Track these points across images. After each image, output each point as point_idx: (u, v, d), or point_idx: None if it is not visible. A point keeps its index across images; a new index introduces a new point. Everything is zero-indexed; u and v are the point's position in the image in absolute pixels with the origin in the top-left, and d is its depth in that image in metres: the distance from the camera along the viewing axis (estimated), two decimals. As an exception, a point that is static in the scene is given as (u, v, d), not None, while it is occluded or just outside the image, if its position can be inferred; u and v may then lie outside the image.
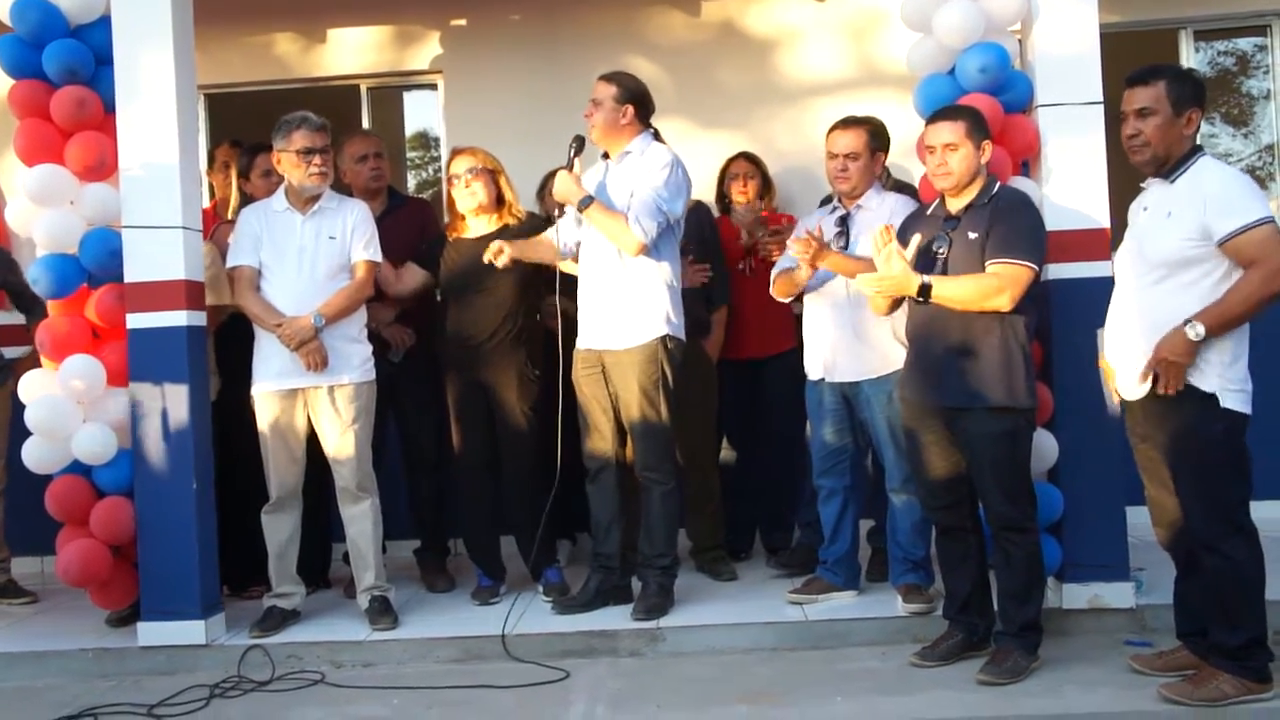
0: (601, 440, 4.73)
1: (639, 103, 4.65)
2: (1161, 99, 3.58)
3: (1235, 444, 3.56)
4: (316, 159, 4.64)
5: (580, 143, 4.66)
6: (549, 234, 4.80)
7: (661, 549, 4.66)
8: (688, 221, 4.91)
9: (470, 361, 4.95)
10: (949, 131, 3.99)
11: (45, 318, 5.03)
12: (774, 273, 4.79)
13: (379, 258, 4.76)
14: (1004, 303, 3.84)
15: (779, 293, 4.76)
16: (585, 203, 4.55)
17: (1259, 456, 3.62)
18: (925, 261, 3.98)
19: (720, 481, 5.48)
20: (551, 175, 5.40)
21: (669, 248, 4.63)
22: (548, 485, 4.82)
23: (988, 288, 3.85)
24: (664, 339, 4.58)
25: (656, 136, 4.73)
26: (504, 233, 4.92)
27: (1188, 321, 3.48)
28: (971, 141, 3.97)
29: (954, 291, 3.90)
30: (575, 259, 4.77)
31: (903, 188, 4.89)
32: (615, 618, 4.58)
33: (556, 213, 4.82)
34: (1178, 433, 3.57)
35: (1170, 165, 3.60)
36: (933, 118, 4.11)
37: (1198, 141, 3.67)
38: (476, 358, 4.94)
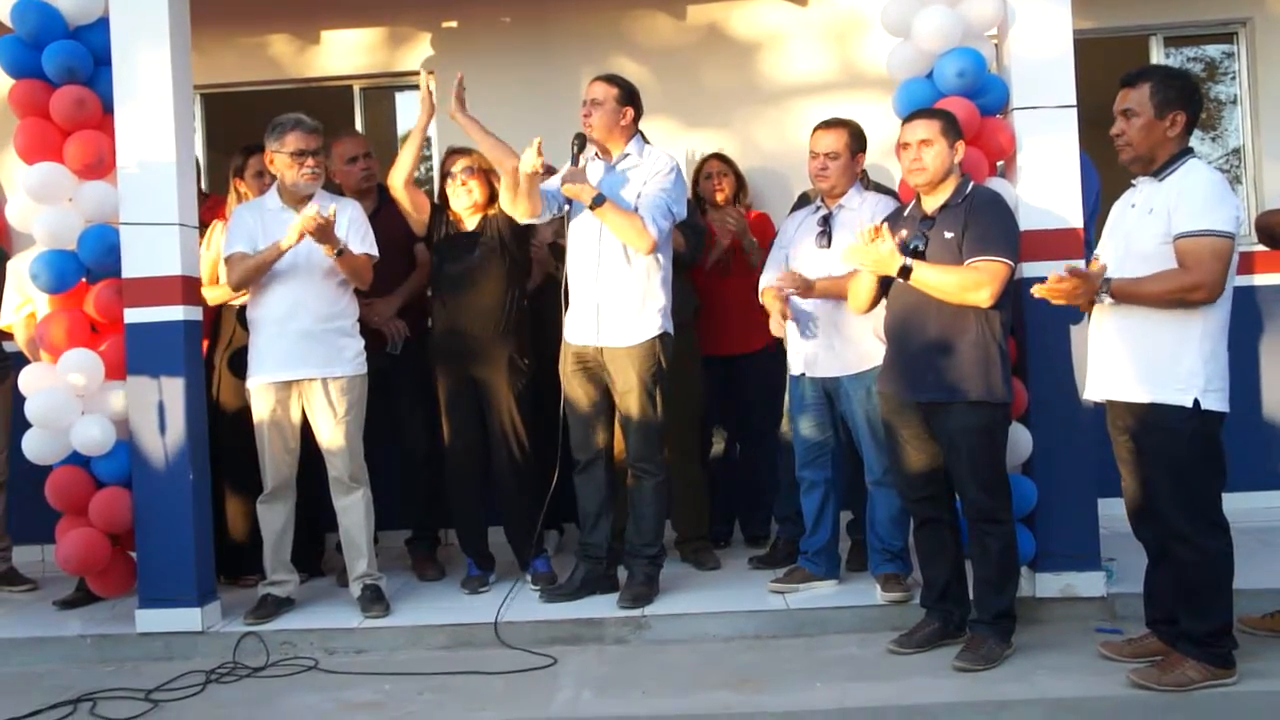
0: (591, 433, 4.80)
1: (636, 105, 4.73)
2: (1145, 101, 3.66)
3: (1212, 440, 3.64)
4: (310, 161, 4.71)
5: (582, 140, 4.66)
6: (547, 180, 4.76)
7: (649, 539, 4.75)
8: None
9: (461, 355, 5.03)
10: (924, 128, 4.08)
11: None
12: (761, 287, 4.86)
13: (375, 252, 4.83)
14: (984, 298, 3.92)
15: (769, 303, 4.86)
16: (599, 201, 4.54)
17: (1227, 449, 3.70)
18: (902, 260, 4.08)
19: (705, 473, 5.59)
20: None
21: (664, 248, 4.71)
22: (536, 475, 4.92)
23: (968, 281, 3.93)
24: (662, 336, 4.68)
25: (644, 137, 4.82)
26: (491, 222, 5.03)
27: (1106, 281, 3.61)
28: (946, 139, 4.06)
29: (935, 278, 3.97)
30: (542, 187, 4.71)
31: (883, 190, 4.99)
32: (602, 606, 4.66)
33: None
34: (1157, 428, 3.65)
35: (1159, 165, 3.68)
36: (908, 118, 4.20)
37: (1190, 144, 3.73)
38: (467, 351, 5.01)
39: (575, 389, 4.80)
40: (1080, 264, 3.68)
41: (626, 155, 4.74)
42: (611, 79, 4.75)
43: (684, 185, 4.75)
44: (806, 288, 4.57)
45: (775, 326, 4.76)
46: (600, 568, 4.85)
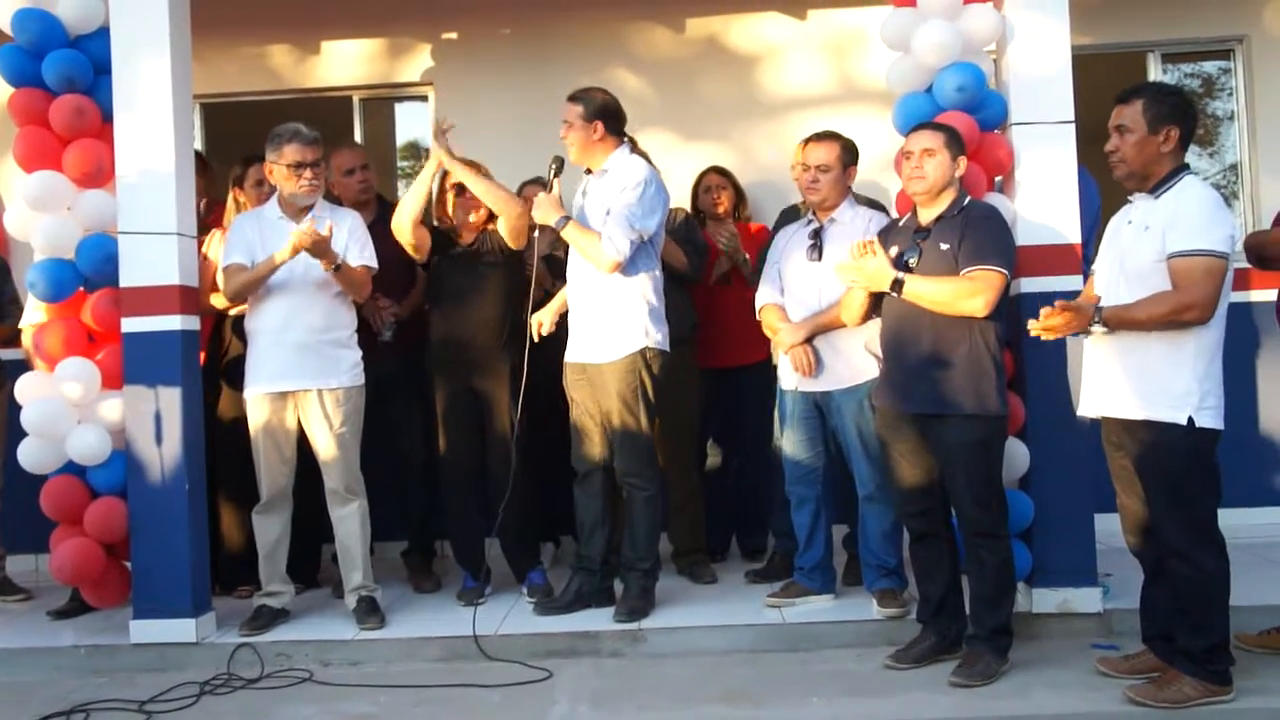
0: (591, 445, 4.80)
1: (606, 117, 4.70)
2: (1138, 117, 3.67)
3: (1207, 457, 3.65)
4: (307, 172, 4.72)
5: (560, 163, 4.75)
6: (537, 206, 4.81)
7: (643, 552, 4.74)
8: (679, 228, 5.01)
9: (460, 367, 5.03)
10: (929, 138, 4.10)
11: (14, 323, 5.14)
12: (759, 304, 4.89)
13: (374, 264, 4.83)
14: (978, 306, 3.93)
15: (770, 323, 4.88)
16: (562, 222, 4.63)
17: (1222, 465, 3.70)
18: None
19: (702, 486, 5.58)
20: (524, 185, 5.52)
21: (647, 262, 4.69)
22: (534, 488, 4.91)
23: (962, 290, 3.94)
24: (643, 352, 4.66)
25: (634, 147, 4.82)
26: (491, 236, 5.03)
27: (1098, 310, 3.63)
28: (949, 152, 4.07)
29: (928, 290, 3.98)
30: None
31: (873, 205, 5.00)
32: (598, 619, 4.66)
33: (536, 233, 4.91)
34: (1151, 445, 3.65)
35: (1155, 182, 3.68)
36: (915, 128, 4.22)
37: (1186, 159, 3.74)
38: (466, 363, 5.02)
39: (576, 402, 4.82)
40: (1072, 295, 3.68)
41: (605, 170, 4.75)
42: (577, 96, 4.74)
43: (655, 199, 4.66)
44: (805, 341, 4.64)
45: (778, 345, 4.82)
46: (595, 580, 4.84)
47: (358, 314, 4.96)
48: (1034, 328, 3.68)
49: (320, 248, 4.51)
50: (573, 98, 4.75)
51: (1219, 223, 3.57)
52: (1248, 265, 4.61)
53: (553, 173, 4.75)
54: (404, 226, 4.91)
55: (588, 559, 4.85)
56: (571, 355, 4.81)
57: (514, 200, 4.95)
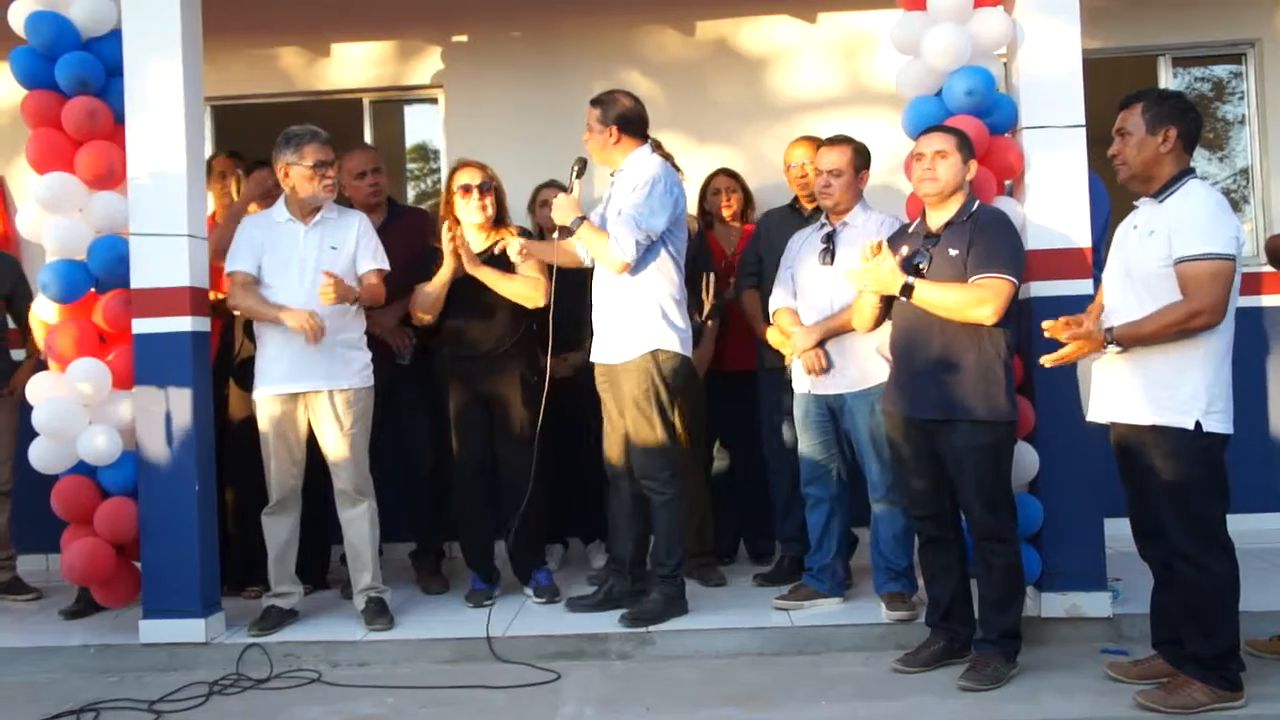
0: (616, 448, 4.81)
1: (623, 122, 4.69)
2: (1137, 119, 3.69)
3: (1215, 462, 3.64)
4: (329, 171, 4.75)
5: (582, 165, 4.73)
6: (571, 240, 4.86)
7: (661, 557, 4.72)
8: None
9: (473, 372, 5.04)
10: (941, 140, 4.11)
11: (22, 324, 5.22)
12: (773, 308, 4.92)
13: (386, 265, 4.85)
14: (987, 315, 3.93)
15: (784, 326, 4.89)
16: (577, 223, 4.64)
17: (1232, 470, 3.70)
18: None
19: (711, 490, 5.57)
20: (540, 188, 5.52)
21: (661, 263, 4.66)
22: (543, 490, 4.92)
23: (971, 298, 3.94)
24: (654, 353, 4.64)
25: (659, 148, 4.81)
26: (500, 241, 5.02)
27: (1109, 331, 3.64)
28: (960, 154, 4.08)
29: (937, 296, 3.99)
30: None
31: None
32: (606, 621, 4.65)
33: (556, 235, 4.91)
34: (1159, 449, 3.65)
35: (1160, 185, 3.69)
36: (927, 130, 4.22)
37: (1192, 164, 3.74)
38: (479, 368, 5.03)
39: (606, 403, 4.82)
40: (1083, 300, 3.69)
41: (622, 171, 4.75)
42: (597, 101, 4.76)
43: (664, 198, 4.61)
44: (816, 344, 4.66)
45: (788, 350, 4.82)
46: (625, 582, 4.83)
47: (379, 337, 4.98)
48: (1047, 361, 3.72)
49: (339, 293, 4.55)
50: (594, 101, 4.76)
51: (1223, 225, 3.57)
52: (1255, 269, 4.60)
53: (574, 174, 4.72)
54: (418, 319, 5.04)
55: (617, 560, 4.87)
56: (594, 355, 4.83)
57: (536, 283, 4.94)
